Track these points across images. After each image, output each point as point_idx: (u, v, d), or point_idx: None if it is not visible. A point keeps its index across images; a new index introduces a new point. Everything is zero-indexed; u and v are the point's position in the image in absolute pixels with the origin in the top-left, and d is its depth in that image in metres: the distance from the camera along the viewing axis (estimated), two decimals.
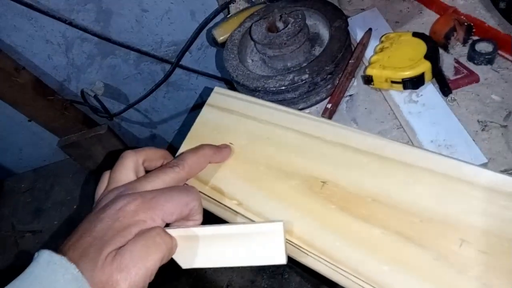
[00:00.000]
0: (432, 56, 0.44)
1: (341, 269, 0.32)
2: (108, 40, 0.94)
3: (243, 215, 0.38)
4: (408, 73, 0.44)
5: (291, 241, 0.35)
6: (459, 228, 0.30)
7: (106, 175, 0.35)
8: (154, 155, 0.36)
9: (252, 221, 0.37)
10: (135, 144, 1.22)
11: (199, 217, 0.34)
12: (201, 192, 0.40)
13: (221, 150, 0.40)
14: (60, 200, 1.19)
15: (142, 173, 0.35)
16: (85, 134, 1.07)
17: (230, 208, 0.39)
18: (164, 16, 0.92)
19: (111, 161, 1.15)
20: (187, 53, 0.97)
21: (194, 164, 0.36)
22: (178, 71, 1.00)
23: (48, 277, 0.25)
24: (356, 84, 0.52)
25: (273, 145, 0.41)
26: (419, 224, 0.32)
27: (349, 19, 0.58)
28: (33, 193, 1.24)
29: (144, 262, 0.27)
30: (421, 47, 0.45)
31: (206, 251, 0.32)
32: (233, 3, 0.71)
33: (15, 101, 0.98)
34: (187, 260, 0.33)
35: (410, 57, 0.45)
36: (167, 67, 0.99)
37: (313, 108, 0.53)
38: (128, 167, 0.33)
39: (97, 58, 1.01)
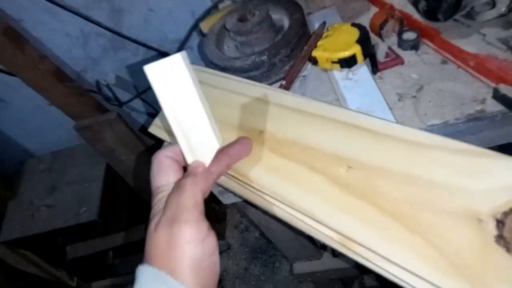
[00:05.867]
0: (362, 41, 0.54)
1: (265, 193, 0.42)
2: (120, 35, 1.07)
3: None
4: (341, 54, 0.54)
5: (232, 175, 0.45)
6: (348, 159, 0.40)
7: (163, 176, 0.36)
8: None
9: None
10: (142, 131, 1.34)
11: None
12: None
13: (244, 147, 0.43)
14: (73, 180, 1.33)
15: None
16: (97, 119, 1.20)
17: None
18: (168, 16, 1.05)
19: (122, 145, 1.26)
20: (189, 49, 1.09)
21: (220, 173, 0.39)
22: None
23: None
24: (310, 67, 0.62)
25: (229, 106, 0.51)
26: (322, 157, 0.41)
27: (311, 15, 0.69)
28: (50, 173, 1.38)
29: None
30: (355, 34, 0.55)
31: None
32: (221, 3, 0.82)
33: (38, 86, 1.12)
34: None
35: (345, 41, 0.55)
36: None
37: (274, 85, 0.63)
38: (189, 199, 0.33)
39: (110, 51, 1.15)
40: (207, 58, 0.67)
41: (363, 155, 0.39)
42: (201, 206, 0.34)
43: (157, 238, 0.32)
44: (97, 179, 1.30)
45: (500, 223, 0.30)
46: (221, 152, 0.39)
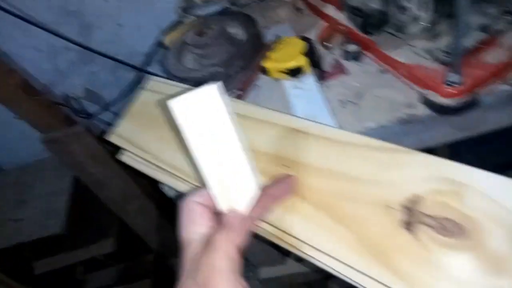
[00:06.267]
0: (308, 53, 0.59)
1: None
2: (89, 49, 1.10)
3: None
4: (289, 65, 0.58)
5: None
6: (285, 158, 0.43)
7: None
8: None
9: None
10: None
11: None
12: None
13: (287, 186, 0.38)
14: (41, 193, 1.32)
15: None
16: (65, 132, 1.20)
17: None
18: (136, 30, 1.08)
19: (90, 158, 1.26)
20: (155, 62, 1.13)
21: (259, 218, 0.35)
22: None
23: None
24: (264, 77, 0.66)
25: None
26: (263, 157, 0.45)
27: (267, 29, 0.74)
28: (18, 187, 1.36)
29: None
30: (302, 46, 0.59)
31: None
32: (186, 18, 0.86)
33: (6, 100, 1.12)
34: None
35: (292, 53, 0.59)
36: (141, 74, 1.14)
37: (230, 95, 0.67)
38: (222, 260, 0.29)
39: (79, 65, 1.16)
40: (166, 68, 0.70)
41: (299, 155, 0.43)
42: (237, 265, 0.29)
43: None
44: (64, 192, 1.30)
45: (407, 209, 0.34)
46: (261, 192, 0.34)
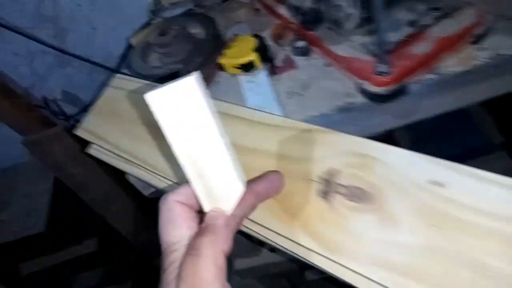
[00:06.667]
0: (260, 49, 0.63)
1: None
2: (65, 52, 1.13)
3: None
4: (241, 60, 0.63)
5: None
6: None
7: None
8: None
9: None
10: None
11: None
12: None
13: (273, 184, 0.37)
14: (23, 194, 1.34)
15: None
16: (45, 133, 1.24)
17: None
18: (110, 33, 1.12)
19: (70, 159, 1.29)
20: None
21: (244, 217, 0.32)
22: None
23: None
24: (223, 74, 0.71)
25: (142, 106, 0.58)
26: None
27: (228, 30, 0.78)
28: (0, 189, 1.39)
29: None
30: (254, 43, 0.64)
31: None
32: (154, 20, 0.91)
33: None
34: None
35: (245, 50, 0.64)
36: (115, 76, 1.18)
37: None
38: (208, 267, 0.26)
39: (56, 68, 1.20)
40: (133, 69, 0.74)
41: (240, 139, 0.47)
42: (223, 273, 0.27)
43: None
44: (46, 192, 1.33)
45: (324, 181, 0.39)
46: (245, 190, 0.33)
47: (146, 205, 1.48)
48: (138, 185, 0.66)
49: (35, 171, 1.40)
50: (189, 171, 0.30)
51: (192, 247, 0.27)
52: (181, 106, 0.29)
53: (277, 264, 1.10)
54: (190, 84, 0.29)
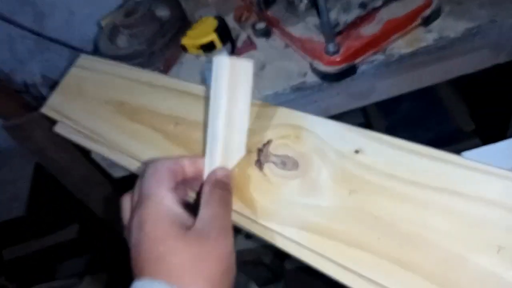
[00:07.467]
0: (219, 30, 0.65)
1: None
2: (44, 37, 1.14)
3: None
4: (201, 41, 0.64)
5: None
6: (176, 117, 0.49)
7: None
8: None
9: None
10: None
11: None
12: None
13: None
14: (4, 179, 1.36)
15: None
16: (26, 118, 1.25)
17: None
18: (88, 18, 1.13)
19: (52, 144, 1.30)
20: None
21: None
22: None
23: None
24: (186, 55, 0.72)
25: (107, 86, 0.60)
26: (160, 118, 0.51)
27: (194, 11, 0.79)
28: None
29: None
30: (214, 24, 0.65)
31: None
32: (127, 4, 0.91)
33: None
34: None
35: (205, 31, 0.65)
36: None
37: (155, 70, 0.72)
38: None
39: (36, 53, 1.21)
40: (100, 49, 0.75)
41: (187, 113, 0.49)
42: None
43: (183, 248, 0.28)
44: (27, 178, 1.34)
45: (260, 152, 0.40)
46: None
47: (124, 190, 1.49)
48: (104, 164, 0.68)
49: (18, 157, 1.41)
50: (213, 132, 0.37)
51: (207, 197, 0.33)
52: (236, 78, 0.35)
53: (253, 251, 1.12)
54: (248, 66, 0.35)
